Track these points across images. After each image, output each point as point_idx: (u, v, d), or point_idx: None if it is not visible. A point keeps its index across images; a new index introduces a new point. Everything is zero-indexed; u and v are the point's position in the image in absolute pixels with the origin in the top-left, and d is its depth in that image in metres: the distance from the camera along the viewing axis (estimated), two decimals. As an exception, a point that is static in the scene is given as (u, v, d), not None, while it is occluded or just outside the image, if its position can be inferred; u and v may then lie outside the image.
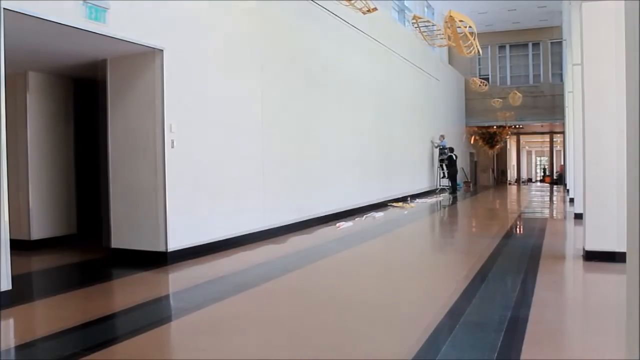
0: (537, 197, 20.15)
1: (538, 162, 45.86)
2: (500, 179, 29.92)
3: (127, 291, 5.81)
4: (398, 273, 6.70)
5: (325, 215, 10.99)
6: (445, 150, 20.04)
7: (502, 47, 27.09)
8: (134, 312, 4.86)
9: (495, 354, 3.52)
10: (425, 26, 12.73)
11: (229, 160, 8.01)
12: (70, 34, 5.85)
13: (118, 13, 6.07)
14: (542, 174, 36.98)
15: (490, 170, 29.33)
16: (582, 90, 6.81)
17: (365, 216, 12.06)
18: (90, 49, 6.69)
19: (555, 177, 29.97)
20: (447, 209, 15.23)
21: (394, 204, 14.83)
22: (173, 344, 4.18)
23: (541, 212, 14.19)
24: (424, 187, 18.45)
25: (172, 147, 6.88)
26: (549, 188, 25.35)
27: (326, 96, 11.31)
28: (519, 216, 13.05)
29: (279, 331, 4.25)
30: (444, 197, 17.90)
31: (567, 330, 4.47)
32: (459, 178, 24.55)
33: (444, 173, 20.06)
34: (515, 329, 4.06)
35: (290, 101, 9.89)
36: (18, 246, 7.26)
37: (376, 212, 12.89)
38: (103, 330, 4.42)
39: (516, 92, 23.62)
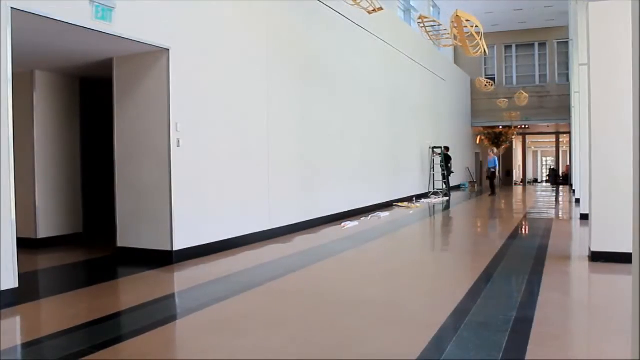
0: (542, 197, 20.07)
1: (544, 163, 45.72)
2: (506, 180, 29.80)
3: (133, 290, 5.82)
4: (403, 272, 6.69)
5: (331, 215, 10.99)
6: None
7: (508, 47, 27.02)
8: (139, 310, 4.87)
9: (501, 354, 3.52)
10: (432, 26, 12.72)
11: (234, 160, 8.03)
12: (77, 33, 5.88)
13: (124, 12, 6.09)
14: (547, 174, 36.64)
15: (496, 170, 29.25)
16: (589, 91, 6.78)
17: (370, 216, 12.06)
18: (97, 48, 6.72)
19: (549, 176, 29.78)
20: (452, 209, 15.20)
21: (400, 204, 14.83)
22: (178, 343, 4.20)
23: (547, 213, 14.14)
24: (430, 187, 18.40)
25: (178, 146, 6.89)
26: (554, 188, 25.25)
27: (333, 97, 11.30)
28: (525, 217, 13.01)
29: (284, 331, 4.25)
30: (449, 198, 17.84)
31: (573, 331, 4.45)
32: (465, 178, 24.49)
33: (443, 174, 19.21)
34: (520, 330, 4.05)
35: (297, 101, 9.89)
36: (25, 244, 7.30)
37: (382, 212, 12.87)
38: (109, 329, 4.44)
39: (522, 92, 23.57)
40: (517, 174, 32.98)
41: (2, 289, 4.82)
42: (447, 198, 17.23)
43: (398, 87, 15.76)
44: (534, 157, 43.80)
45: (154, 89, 6.93)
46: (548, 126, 28.44)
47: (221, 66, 7.80)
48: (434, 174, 17.79)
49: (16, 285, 4.99)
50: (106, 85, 7.47)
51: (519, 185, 29.85)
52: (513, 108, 25.03)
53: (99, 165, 9.23)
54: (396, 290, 5.68)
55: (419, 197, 16.90)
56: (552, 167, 36.31)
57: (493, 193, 20.12)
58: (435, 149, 18.38)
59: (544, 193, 22.37)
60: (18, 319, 4.73)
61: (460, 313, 4.55)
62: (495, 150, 23.00)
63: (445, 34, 12.69)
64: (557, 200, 18.34)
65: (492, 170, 21.11)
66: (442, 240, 10.29)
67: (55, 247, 8.16)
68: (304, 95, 10.17)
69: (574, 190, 17.73)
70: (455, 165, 22.63)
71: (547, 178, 34.15)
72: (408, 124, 16.68)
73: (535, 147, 42.59)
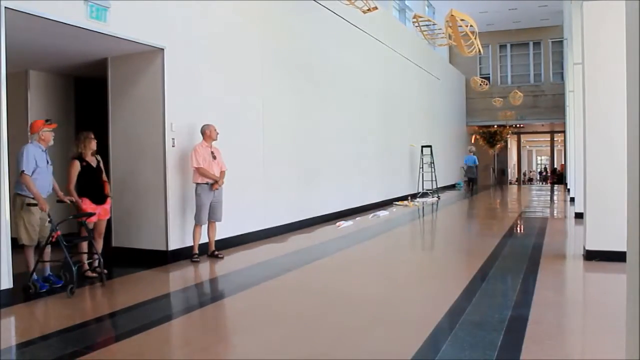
0: (537, 196, 20.11)
1: (539, 162, 45.86)
2: (501, 179, 29.82)
3: (128, 290, 5.81)
4: (398, 271, 6.70)
5: (326, 215, 10.99)
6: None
7: (503, 46, 27.07)
8: (134, 310, 4.86)
9: (496, 353, 3.53)
10: (426, 25, 12.72)
11: (229, 160, 7.99)
12: (71, 33, 5.86)
13: (119, 12, 6.08)
14: (544, 172, 36.38)
15: (491, 169, 29.29)
16: (583, 90, 6.81)
17: (372, 215, 12.09)
18: (91, 47, 6.70)
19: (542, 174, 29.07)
20: (448, 208, 15.21)
21: (398, 203, 14.93)
22: (174, 343, 4.19)
23: (541, 212, 14.18)
24: (425, 187, 18.39)
25: (173, 146, 6.88)
26: (549, 187, 25.30)
27: (328, 96, 11.30)
28: (520, 215, 13.04)
29: (279, 330, 4.26)
30: (442, 198, 17.83)
31: (567, 330, 4.47)
32: (459, 178, 24.51)
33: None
34: (515, 328, 4.06)
35: (293, 100, 9.88)
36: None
37: (380, 211, 12.87)
38: (104, 329, 4.43)
39: (517, 91, 23.60)
40: (512, 173, 33.04)
41: (-3, 289, 4.81)
42: (438, 198, 16.92)
43: (393, 87, 15.76)
44: (528, 156, 43.91)
45: (149, 88, 6.91)
46: (543, 125, 28.50)
47: (217, 66, 7.78)
48: (423, 174, 17.33)
49: (11, 285, 4.98)
50: (101, 85, 7.45)
51: (514, 184, 29.88)
52: (508, 107, 25.08)
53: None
54: (391, 289, 5.69)
55: (412, 197, 16.89)
56: (545, 166, 36.07)
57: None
58: (424, 148, 17.98)
59: (539, 192, 22.41)
60: (13, 319, 4.72)
61: (455, 312, 4.56)
62: (472, 147, 20.37)
63: (440, 33, 12.69)
64: (551, 200, 18.39)
65: (469, 175, 19.85)
66: (437, 239, 10.30)
67: (50, 247, 8.09)
68: (299, 95, 10.16)
69: (568, 189, 17.78)
70: (450, 164, 22.65)
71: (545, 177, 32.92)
72: (402, 123, 16.68)
73: (530, 146, 42.70)
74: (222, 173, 7.20)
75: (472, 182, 20.43)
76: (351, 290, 5.57)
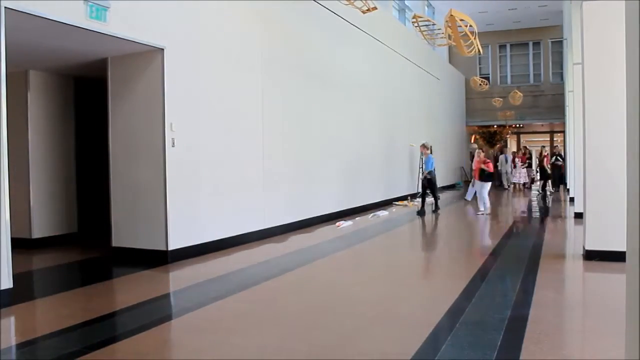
0: (536, 196, 20.08)
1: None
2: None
3: (128, 290, 5.81)
4: (397, 271, 6.70)
5: (326, 215, 10.99)
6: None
7: (502, 46, 27.08)
8: (135, 310, 4.87)
9: (495, 353, 3.53)
10: (426, 25, 12.73)
11: (229, 160, 8.01)
12: (71, 33, 5.86)
13: (119, 12, 6.08)
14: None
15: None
16: (583, 90, 6.81)
17: (372, 215, 12.09)
18: (91, 47, 6.70)
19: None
20: (447, 208, 15.20)
21: (398, 203, 14.92)
22: (174, 343, 4.19)
23: (541, 212, 14.17)
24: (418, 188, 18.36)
25: (173, 146, 6.88)
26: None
27: (328, 96, 11.29)
28: (519, 215, 13.04)
29: (279, 330, 4.26)
30: (441, 198, 17.81)
31: (567, 330, 4.47)
32: (459, 177, 24.48)
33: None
34: (515, 328, 4.06)
35: (292, 100, 9.88)
36: (19, 244, 7.27)
37: (380, 211, 12.86)
38: (104, 329, 4.42)
39: (517, 91, 23.60)
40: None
41: (-3, 289, 4.81)
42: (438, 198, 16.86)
43: (392, 87, 15.76)
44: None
45: (148, 88, 6.91)
46: (542, 125, 28.51)
47: (216, 66, 7.78)
48: (422, 174, 17.23)
49: (11, 285, 4.98)
50: (101, 85, 7.45)
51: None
52: (508, 107, 25.09)
53: (93, 165, 9.20)
54: (391, 289, 5.69)
55: (411, 197, 16.88)
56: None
57: (422, 211, 12.76)
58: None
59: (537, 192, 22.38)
60: (13, 319, 4.72)
61: (455, 312, 4.56)
62: (426, 143, 13.71)
63: (439, 33, 12.70)
64: (551, 199, 18.36)
65: (428, 176, 13.09)
66: (437, 238, 10.30)
67: (50, 247, 8.12)
68: (299, 95, 10.16)
69: (567, 190, 17.78)
70: (449, 164, 22.66)
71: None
72: (402, 123, 16.68)
73: (529, 146, 42.66)
74: None
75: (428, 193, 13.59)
76: (351, 290, 5.57)
